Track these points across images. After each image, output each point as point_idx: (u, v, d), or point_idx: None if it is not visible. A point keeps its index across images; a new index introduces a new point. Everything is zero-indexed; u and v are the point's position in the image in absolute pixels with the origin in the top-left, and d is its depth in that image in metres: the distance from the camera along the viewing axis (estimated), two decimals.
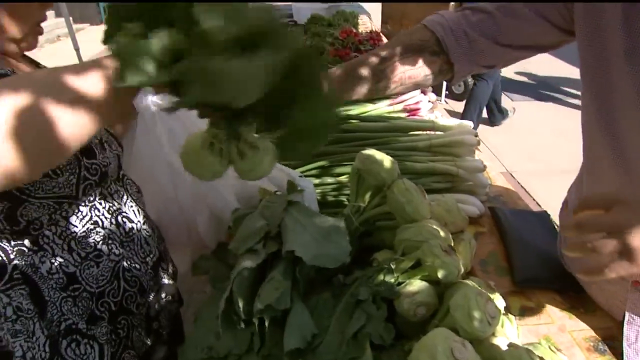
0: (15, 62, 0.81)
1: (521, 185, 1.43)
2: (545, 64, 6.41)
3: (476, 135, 1.30)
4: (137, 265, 0.93)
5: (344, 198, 1.20)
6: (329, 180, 1.22)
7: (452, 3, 4.38)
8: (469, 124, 1.37)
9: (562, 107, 5.01)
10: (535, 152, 3.69)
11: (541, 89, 5.60)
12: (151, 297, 0.97)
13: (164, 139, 1.07)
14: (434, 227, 0.80)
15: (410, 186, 0.82)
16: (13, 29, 0.74)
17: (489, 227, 1.20)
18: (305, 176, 1.18)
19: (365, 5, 4.98)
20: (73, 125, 0.49)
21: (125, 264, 0.90)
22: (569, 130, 4.20)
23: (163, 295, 1.02)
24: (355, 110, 1.50)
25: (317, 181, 1.21)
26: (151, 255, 0.98)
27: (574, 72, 5.92)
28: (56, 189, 0.75)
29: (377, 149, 1.19)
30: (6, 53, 0.77)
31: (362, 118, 1.42)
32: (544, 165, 3.34)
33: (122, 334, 0.90)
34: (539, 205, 1.33)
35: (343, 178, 1.22)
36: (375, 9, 5.75)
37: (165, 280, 1.03)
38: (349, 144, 1.29)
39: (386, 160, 0.85)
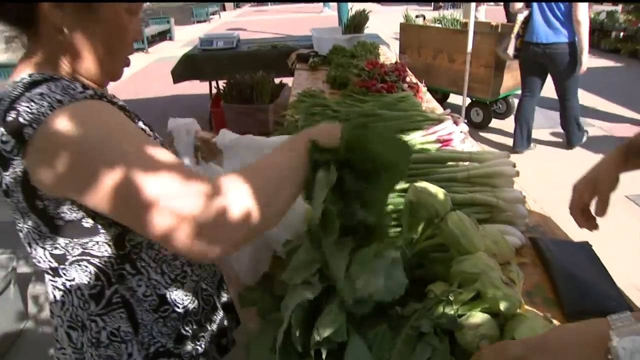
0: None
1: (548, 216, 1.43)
2: None
3: (514, 166, 1.31)
4: (210, 285, 1.01)
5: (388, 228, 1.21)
6: None
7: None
8: (506, 154, 1.39)
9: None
10: (560, 180, 3.67)
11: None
12: (220, 314, 1.04)
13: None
14: (488, 259, 0.81)
15: (464, 218, 0.84)
16: (108, 64, 0.82)
17: (531, 258, 1.20)
18: None
19: (382, 35, 5.08)
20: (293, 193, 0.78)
21: (202, 284, 0.98)
22: (590, 157, 4.19)
23: (226, 313, 1.09)
24: None
25: None
26: (216, 276, 1.07)
27: (594, 101, 5.93)
28: None
29: (414, 180, 1.23)
30: (94, 82, 0.84)
31: None
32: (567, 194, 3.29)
33: (200, 350, 0.96)
34: (567, 235, 1.33)
35: (389, 206, 1.24)
36: (393, 39, 5.85)
37: (225, 298, 1.10)
38: None
39: (439, 192, 0.87)
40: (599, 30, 8.83)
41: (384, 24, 11.39)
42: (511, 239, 1.21)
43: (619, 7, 9.26)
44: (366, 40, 3.79)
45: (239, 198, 0.68)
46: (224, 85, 3.96)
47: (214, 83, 5.58)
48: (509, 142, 4.69)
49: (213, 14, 19.98)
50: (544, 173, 3.97)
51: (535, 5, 3.95)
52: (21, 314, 2.69)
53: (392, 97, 2.10)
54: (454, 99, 5.67)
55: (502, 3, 8.67)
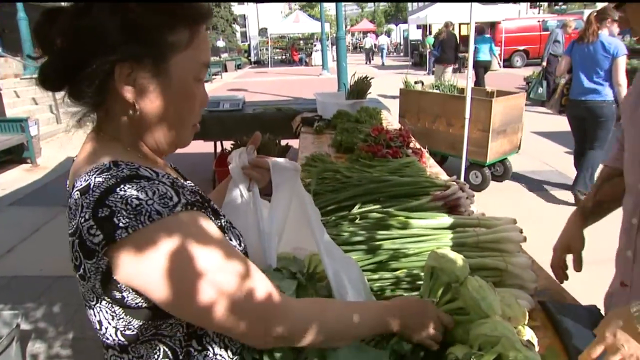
0: (161, 162, 0.92)
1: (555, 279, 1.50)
2: (558, 154, 6.63)
3: (521, 232, 1.39)
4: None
5: (401, 292, 1.27)
6: (387, 275, 1.29)
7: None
8: (512, 219, 1.46)
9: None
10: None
11: (555, 179, 5.74)
12: None
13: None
14: (506, 322, 0.87)
15: (483, 283, 0.90)
16: (178, 132, 0.87)
17: (542, 321, 1.25)
18: (363, 271, 1.25)
19: (383, 101, 5.30)
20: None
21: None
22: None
23: None
24: (398, 206, 1.60)
25: (375, 276, 1.28)
26: None
27: None
28: None
29: (425, 245, 1.29)
30: (161, 152, 0.89)
31: (409, 215, 1.52)
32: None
33: None
34: (575, 300, 1.39)
35: (399, 273, 1.30)
36: (394, 104, 6.08)
37: None
38: (402, 240, 1.38)
39: (458, 258, 0.93)
40: None
41: (381, 87, 11.81)
42: (521, 303, 1.27)
43: None
44: (369, 105, 3.97)
45: (294, 323, 0.82)
46: (232, 145, 4.09)
47: (218, 142, 5.73)
48: (507, 203, 4.81)
49: (215, 74, 20.68)
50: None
51: (579, 67, 4.63)
52: None
53: (398, 163, 2.20)
54: (452, 161, 5.83)
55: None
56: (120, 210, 0.70)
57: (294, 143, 4.05)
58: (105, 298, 0.77)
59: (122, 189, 0.72)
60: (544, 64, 9.86)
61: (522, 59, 19.81)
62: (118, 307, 0.78)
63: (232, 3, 36.12)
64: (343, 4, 13.08)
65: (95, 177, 0.74)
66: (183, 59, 0.80)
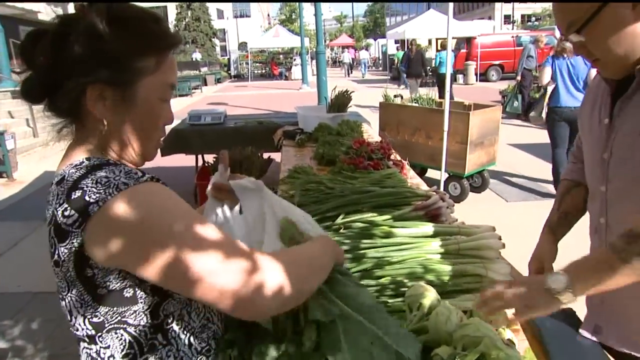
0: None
1: None
2: (534, 165, 6.79)
3: (500, 239, 1.44)
4: None
5: (386, 298, 1.30)
6: (372, 282, 1.33)
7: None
8: (491, 227, 1.52)
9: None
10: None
11: (532, 189, 5.87)
12: None
13: None
14: (487, 324, 0.91)
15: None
16: (145, 147, 0.95)
17: (521, 325, 1.30)
18: None
19: (363, 113, 5.38)
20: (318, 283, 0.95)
21: None
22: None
23: None
24: (381, 216, 1.64)
25: (361, 283, 1.32)
26: None
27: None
28: None
29: (408, 253, 1.34)
30: (135, 164, 0.95)
31: (392, 225, 1.56)
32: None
33: None
34: None
35: (383, 280, 1.33)
36: (374, 117, 6.16)
37: None
38: (386, 248, 1.42)
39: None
40: None
41: (361, 100, 11.95)
42: None
43: None
44: (349, 118, 4.02)
45: (275, 277, 0.82)
46: (214, 159, 4.10)
47: (200, 156, 5.73)
48: (486, 213, 4.92)
49: (195, 88, 20.63)
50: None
51: (559, 79, 5.22)
52: None
53: (379, 174, 2.24)
54: (431, 173, 5.92)
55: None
56: (90, 188, 0.78)
57: (276, 156, 4.07)
58: (77, 285, 0.82)
59: (93, 174, 0.80)
60: (519, 78, 10.14)
61: (497, 73, 20.28)
62: (87, 294, 0.83)
63: (212, 17, 36.21)
64: (323, 18, 13.26)
65: (69, 170, 0.83)
66: (150, 82, 0.89)
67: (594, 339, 1.33)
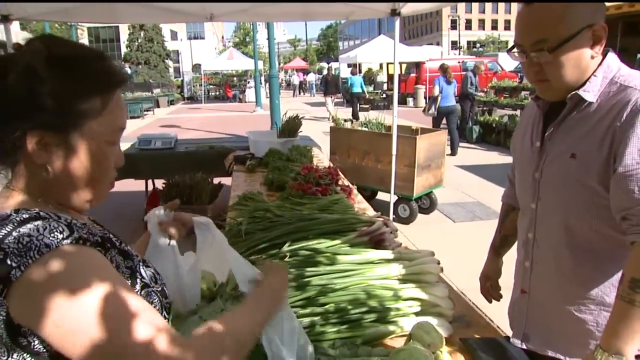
0: (74, 213, 0.91)
1: (474, 304, 1.62)
2: (480, 186, 7.05)
3: (439, 263, 1.50)
4: None
5: (330, 326, 1.33)
6: (317, 310, 1.36)
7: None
8: (431, 252, 1.58)
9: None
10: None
11: (478, 209, 6.09)
12: None
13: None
14: (423, 349, 0.96)
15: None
16: (93, 190, 0.89)
17: (458, 346, 1.35)
18: (292, 307, 1.31)
19: (314, 138, 5.45)
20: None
21: None
22: None
23: None
24: (326, 243, 1.68)
25: (306, 311, 1.34)
26: None
27: None
28: None
29: (351, 280, 1.38)
30: (74, 208, 0.89)
31: (336, 252, 1.60)
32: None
33: None
34: (492, 321, 1.52)
35: (328, 307, 1.36)
36: (325, 141, 6.25)
37: None
38: (330, 275, 1.45)
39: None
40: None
41: (314, 125, 12.08)
42: (440, 330, 1.37)
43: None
44: (300, 143, 4.08)
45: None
46: (164, 185, 4.04)
47: (150, 181, 5.62)
48: (434, 234, 5.08)
49: (147, 110, 20.24)
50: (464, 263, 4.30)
51: (444, 91, 9.38)
52: None
53: (327, 200, 2.29)
54: (382, 195, 6.05)
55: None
56: (13, 250, 0.71)
57: (227, 181, 4.06)
58: (15, 349, 0.75)
59: (17, 231, 0.73)
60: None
61: None
62: (29, 357, 0.76)
63: (166, 38, 35.84)
64: (276, 42, 13.42)
65: None
66: (96, 125, 0.84)
67: (524, 346, 1.43)
